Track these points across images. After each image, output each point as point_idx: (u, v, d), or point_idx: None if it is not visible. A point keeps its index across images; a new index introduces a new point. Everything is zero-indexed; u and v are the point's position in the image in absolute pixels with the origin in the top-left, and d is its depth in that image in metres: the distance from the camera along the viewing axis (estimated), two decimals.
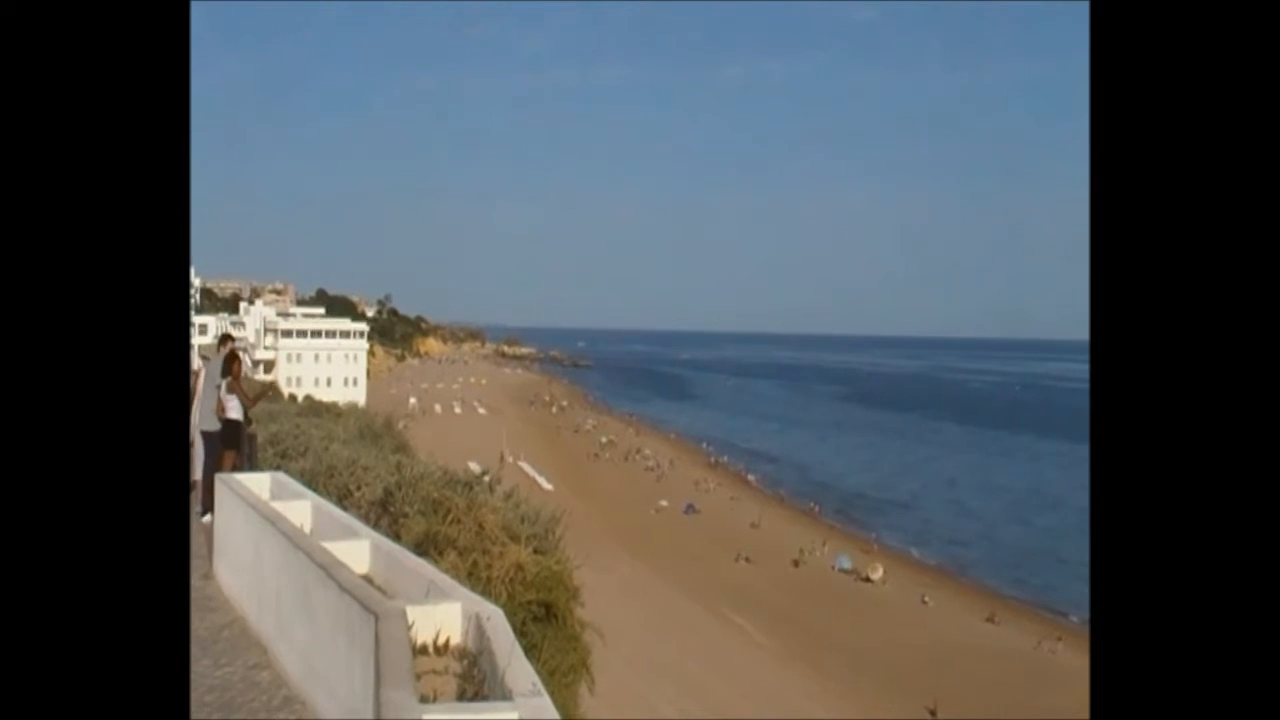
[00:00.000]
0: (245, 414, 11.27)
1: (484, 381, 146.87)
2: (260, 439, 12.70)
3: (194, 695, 6.08)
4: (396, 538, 7.55)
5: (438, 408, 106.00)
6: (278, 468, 10.67)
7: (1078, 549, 45.45)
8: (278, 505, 7.99)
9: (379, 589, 5.72)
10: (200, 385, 12.04)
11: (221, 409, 11.11)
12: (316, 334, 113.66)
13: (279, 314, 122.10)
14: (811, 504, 63.59)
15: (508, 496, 9.60)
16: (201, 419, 11.61)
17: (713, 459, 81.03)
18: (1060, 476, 69.88)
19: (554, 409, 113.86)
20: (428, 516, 8.13)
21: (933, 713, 30.46)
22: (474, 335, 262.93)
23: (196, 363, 12.65)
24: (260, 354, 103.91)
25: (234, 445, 11.04)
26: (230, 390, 11.13)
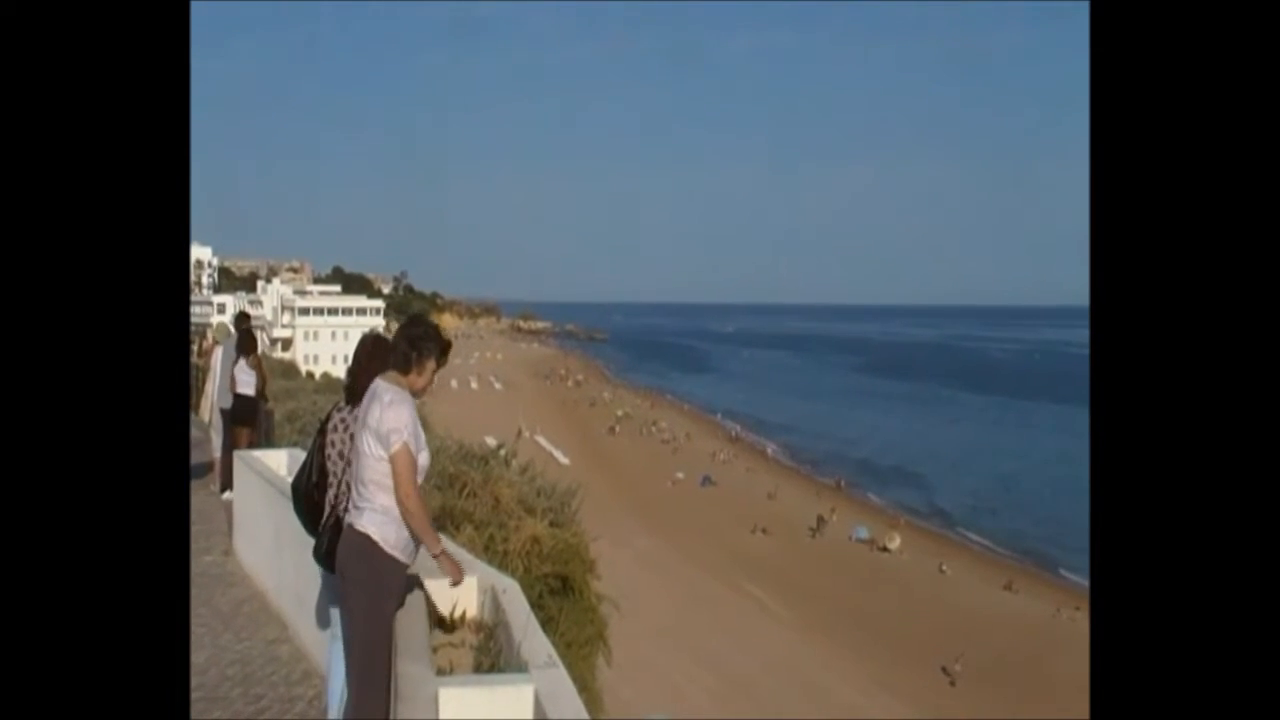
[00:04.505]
0: (260, 390, 11.31)
1: (500, 356, 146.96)
2: (278, 416, 12.77)
3: (216, 669, 6.16)
4: None
5: (454, 383, 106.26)
6: (295, 444, 10.72)
7: None
8: None
9: None
10: (217, 363, 12.11)
11: (234, 384, 11.16)
12: (333, 311, 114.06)
13: (296, 292, 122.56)
14: (828, 475, 63.51)
15: (523, 470, 9.62)
16: (219, 397, 11.68)
17: (729, 431, 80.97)
18: (1081, 446, 69.53)
19: (570, 383, 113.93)
20: (444, 491, 8.15)
21: (949, 675, 30.59)
22: (489, 310, 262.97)
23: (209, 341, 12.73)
24: (278, 332, 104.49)
25: (246, 421, 11.09)
26: (251, 367, 11.17)
